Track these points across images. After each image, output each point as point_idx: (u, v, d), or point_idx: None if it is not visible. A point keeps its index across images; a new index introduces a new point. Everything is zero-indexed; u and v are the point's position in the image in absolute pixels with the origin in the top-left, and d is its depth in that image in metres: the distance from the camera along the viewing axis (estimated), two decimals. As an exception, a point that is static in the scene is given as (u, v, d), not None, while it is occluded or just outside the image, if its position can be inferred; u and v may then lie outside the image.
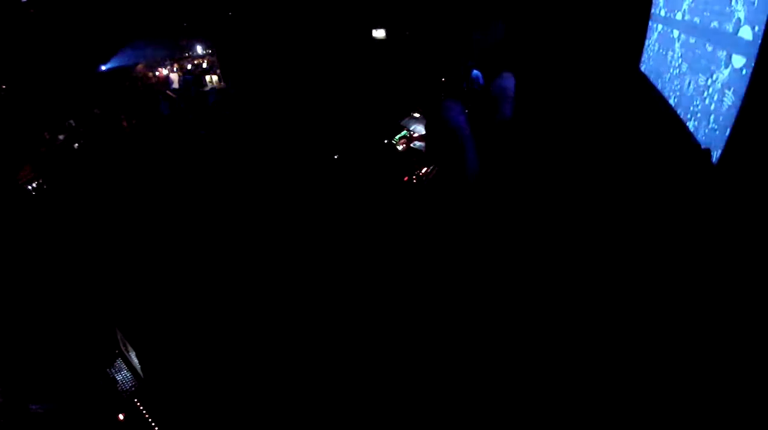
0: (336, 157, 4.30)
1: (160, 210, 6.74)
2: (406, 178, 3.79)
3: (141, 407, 2.45)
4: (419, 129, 4.73)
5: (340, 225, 4.14)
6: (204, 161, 6.87)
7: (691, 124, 4.04)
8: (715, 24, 3.57)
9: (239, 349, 3.12)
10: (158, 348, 3.06)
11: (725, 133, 3.16)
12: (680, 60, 4.60)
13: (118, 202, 5.99)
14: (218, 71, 16.48)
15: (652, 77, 5.97)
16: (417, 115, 5.07)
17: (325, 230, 4.29)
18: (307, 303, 3.50)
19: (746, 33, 2.94)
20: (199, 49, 17.34)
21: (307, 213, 4.79)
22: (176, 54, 16.70)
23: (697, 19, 4.09)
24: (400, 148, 4.34)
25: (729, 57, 3.22)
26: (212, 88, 9.09)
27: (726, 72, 3.26)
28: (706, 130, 3.60)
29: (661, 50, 5.62)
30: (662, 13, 5.69)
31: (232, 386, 2.84)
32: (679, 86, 4.56)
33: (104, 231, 5.70)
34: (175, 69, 16.90)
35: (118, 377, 2.70)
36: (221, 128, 8.09)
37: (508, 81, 4.19)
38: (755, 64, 2.76)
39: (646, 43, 6.58)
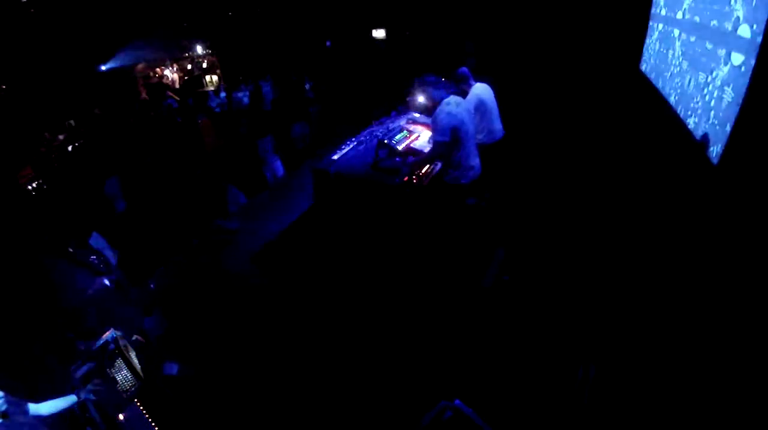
0: (335, 157, 4.30)
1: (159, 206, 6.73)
2: (406, 178, 3.78)
3: (141, 407, 2.45)
4: (419, 129, 4.73)
5: (339, 225, 4.15)
6: (200, 158, 6.88)
7: (691, 121, 4.07)
8: (714, 22, 3.60)
9: (239, 348, 3.12)
10: (158, 348, 3.07)
11: (725, 128, 3.18)
12: (681, 58, 4.62)
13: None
14: (218, 71, 16.50)
15: (652, 77, 5.97)
16: (417, 115, 5.05)
17: (323, 231, 4.29)
18: (307, 303, 3.51)
19: (745, 31, 2.97)
20: (199, 49, 17.35)
21: (305, 214, 4.81)
22: (176, 54, 16.71)
23: (697, 18, 4.12)
24: (400, 148, 4.33)
25: (728, 54, 3.25)
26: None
27: (725, 69, 3.29)
28: (706, 126, 3.63)
29: (661, 49, 5.63)
30: (662, 12, 5.71)
31: (233, 386, 2.84)
32: (679, 84, 4.59)
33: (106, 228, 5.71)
34: (175, 69, 16.89)
35: (118, 377, 2.70)
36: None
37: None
38: (754, 61, 2.78)
39: (647, 42, 6.58)
